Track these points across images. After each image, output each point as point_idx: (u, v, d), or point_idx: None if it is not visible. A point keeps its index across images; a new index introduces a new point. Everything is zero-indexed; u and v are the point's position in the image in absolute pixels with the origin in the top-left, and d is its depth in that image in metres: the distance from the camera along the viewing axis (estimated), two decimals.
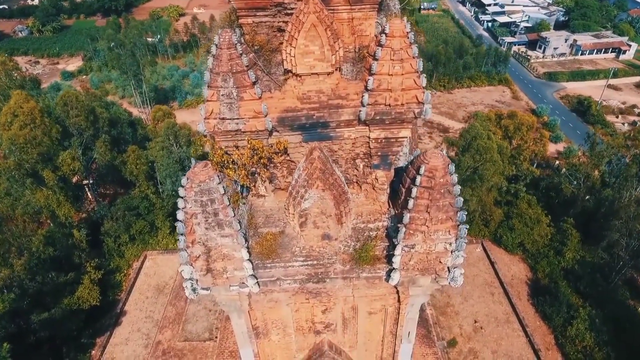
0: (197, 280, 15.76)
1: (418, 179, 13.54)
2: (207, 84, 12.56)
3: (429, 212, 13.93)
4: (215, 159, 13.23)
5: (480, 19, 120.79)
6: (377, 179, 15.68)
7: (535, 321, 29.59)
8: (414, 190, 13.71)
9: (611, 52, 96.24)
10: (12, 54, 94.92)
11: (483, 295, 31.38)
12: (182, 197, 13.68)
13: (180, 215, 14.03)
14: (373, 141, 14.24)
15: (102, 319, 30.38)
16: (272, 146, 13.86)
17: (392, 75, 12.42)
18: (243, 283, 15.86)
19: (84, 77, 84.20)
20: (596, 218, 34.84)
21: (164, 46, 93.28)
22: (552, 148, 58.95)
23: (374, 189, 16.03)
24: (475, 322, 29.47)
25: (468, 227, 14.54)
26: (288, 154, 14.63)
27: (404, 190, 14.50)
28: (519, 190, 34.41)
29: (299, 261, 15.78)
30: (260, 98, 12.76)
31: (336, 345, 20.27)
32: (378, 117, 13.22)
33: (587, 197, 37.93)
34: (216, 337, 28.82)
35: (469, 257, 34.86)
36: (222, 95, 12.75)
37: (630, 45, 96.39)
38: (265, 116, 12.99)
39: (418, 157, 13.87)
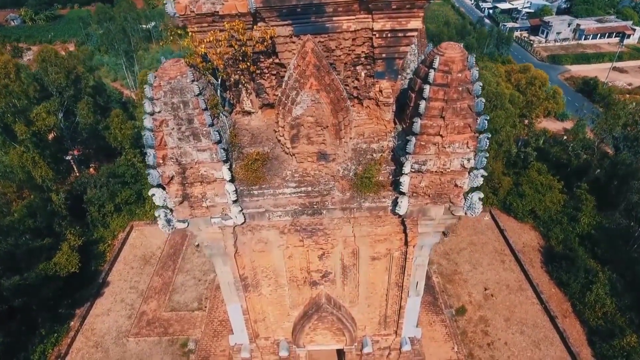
0: (171, 210, 13.59)
1: (431, 74, 11.32)
2: None
3: (444, 118, 11.70)
4: (186, 44, 11.02)
5: (481, 7, 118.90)
6: (381, 92, 13.43)
7: (550, 288, 27.42)
8: (427, 90, 11.49)
9: (615, 36, 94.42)
10: (3, 41, 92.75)
11: (493, 263, 29.21)
12: (149, 99, 11.51)
13: (147, 121, 11.84)
14: (377, 35, 11.98)
15: (83, 289, 28.17)
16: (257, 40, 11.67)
17: None
18: (226, 214, 13.66)
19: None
20: (611, 184, 32.74)
21: (158, 32, 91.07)
22: (558, 126, 57.20)
23: (377, 105, 13.79)
24: (486, 289, 27.32)
25: (490, 137, 12.38)
26: (277, 55, 12.42)
27: (413, 95, 12.29)
28: (529, 154, 32.22)
29: (291, 188, 13.53)
30: None
31: (335, 299, 18.06)
32: None
33: (598, 170, 35.89)
34: (205, 307, 26.70)
35: (477, 225, 32.71)
36: None
37: (634, 30, 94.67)
38: None
39: (431, 52, 11.71)
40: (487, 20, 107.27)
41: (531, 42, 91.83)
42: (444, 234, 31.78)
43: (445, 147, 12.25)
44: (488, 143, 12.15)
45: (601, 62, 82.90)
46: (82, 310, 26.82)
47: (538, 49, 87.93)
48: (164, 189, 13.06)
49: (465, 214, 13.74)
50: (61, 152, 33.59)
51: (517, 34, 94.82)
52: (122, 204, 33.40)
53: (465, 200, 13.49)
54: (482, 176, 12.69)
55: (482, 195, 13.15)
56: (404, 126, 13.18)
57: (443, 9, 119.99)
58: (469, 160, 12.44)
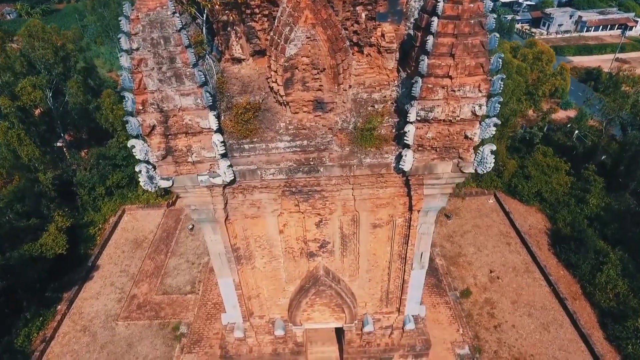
0: (154, 166, 12.44)
1: (440, 5, 10.16)
2: None
3: (453, 56, 10.56)
4: None
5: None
6: (383, 36, 12.27)
7: (558, 270, 26.31)
8: (435, 23, 10.36)
9: (617, 28, 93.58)
10: None
11: (498, 246, 28.10)
12: (125, 33, 10.36)
13: (124, 60, 10.70)
14: None
15: (71, 273, 27.08)
16: None
17: None
18: (214, 171, 12.50)
19: None
20: (619, 166, 31.66)
21: None
22: (562, 114, 56.30)
23: (379, 52, 12.65)
24: (491, 272, 26.22)
25: (504, 77, 11.25)
26: None
27: (419, 34, 11.15)
28: (534, 134, 31.09)
29: (285, 142, 12.36)
30: None
31: (333, 272, 16.91)
32: None
33: (604, 157, 34.87)
34: (198, 290, 25.59)
35: (481, 208, 31.57)
36: None
37: (636, 22, 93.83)
38: None
39: None
40: None
41: (532, 34, 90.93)
42: (447, 216, 30.65)
43: (454, 91, 11.12)
44: (502, 85, 11.03)
45: (603, 53, 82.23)
46: (70, 294, 25.69)
47: (540, 42, 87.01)
48: (145, 140, 11.94)
49: (476, 170, 12.63)
50: (49, 132, 32.33)
51: (518, 26, 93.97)
52: (114, 187, 32.28)
53: (475, 154, 12.39)
54: (495, 125, 11.56)
55: (494, 147, 12.01)
56: (409, 72, 12.06)
57: None
58: (480, 106, 11.31)
